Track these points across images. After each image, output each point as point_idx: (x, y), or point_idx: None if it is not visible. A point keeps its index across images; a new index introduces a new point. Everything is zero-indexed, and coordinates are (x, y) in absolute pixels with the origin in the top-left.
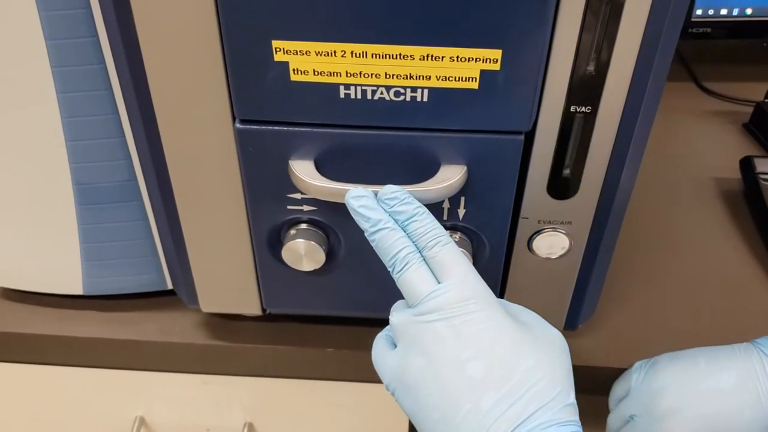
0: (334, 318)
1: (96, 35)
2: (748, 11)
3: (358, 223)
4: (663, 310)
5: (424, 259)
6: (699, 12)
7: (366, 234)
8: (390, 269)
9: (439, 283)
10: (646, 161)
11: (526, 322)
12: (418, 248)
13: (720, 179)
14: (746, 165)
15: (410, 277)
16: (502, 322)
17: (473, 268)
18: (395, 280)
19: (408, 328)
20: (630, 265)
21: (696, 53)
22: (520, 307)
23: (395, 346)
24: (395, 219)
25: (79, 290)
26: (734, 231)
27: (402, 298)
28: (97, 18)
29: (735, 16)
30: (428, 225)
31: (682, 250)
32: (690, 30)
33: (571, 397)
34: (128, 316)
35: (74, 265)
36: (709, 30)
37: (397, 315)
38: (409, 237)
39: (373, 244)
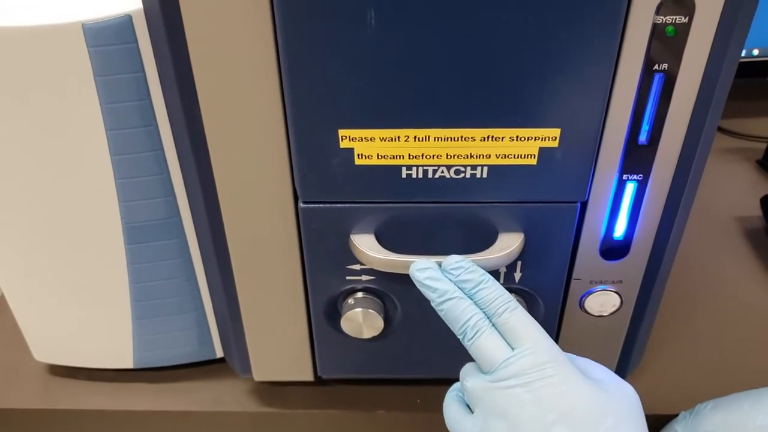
0: (383, 379)
1: (155, 123)
2: (755, 52)
3: (424, 294)
4: (702, 353)
5: (493, 326)
6: None
7: (433, 304)
8: (461, 337)
9: (512, 348)
10: None
11: (598, 379)
12: (486, 315)
13: (742, 218)
14: (767, 204)
15: (483, 344)
16: (579, 383)
17: (544, 330)
18: (467, 347)
19: (486, 393)
20: (666, 310)
21: None
22: (590, 362)
23: (469, 409)
24: (461, 288)
25: (129, 364)
26: (761, 270)
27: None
28: (157, 105)
29: (742, 57)
30: (496, 292)
31: (713, 291)
32: None
33: None
34: (178, 386)
35: (125, 340)
36: None
37: (472, 380)
38: (476, 304)
39: (441, 314)
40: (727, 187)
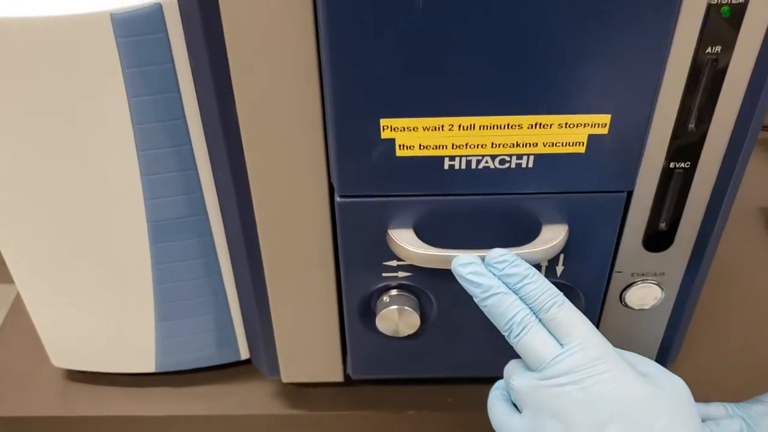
0: (411, 378)
1: (184, 117)
2: None
3: (467, 289)
4: (735, 346)
5: (540, 321)
6: None
7: (477, 300)
8: (506, 334)
9: (561, 344)
10: None
11: (648, 374)
12: (532, 310)
13: (765, 209)
14: None
15: (530, 341)
16: (631, 379)
17: (592, 325)
18: (513, 344)
19: (536, 392)
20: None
21: None
22: (638, 356)
23: (515, 408)
24: (505, 282)
25: (151, 368)
26: None
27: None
28: (186, 98)
29: None
30: (543, 286)
31: (740, 283)
32: None
33: None
34: (202, 390)
35: (148, 343)
36: None
37: (519, 379)
38: (522, 299)
39: (485, 310)
40: (749, 178)
